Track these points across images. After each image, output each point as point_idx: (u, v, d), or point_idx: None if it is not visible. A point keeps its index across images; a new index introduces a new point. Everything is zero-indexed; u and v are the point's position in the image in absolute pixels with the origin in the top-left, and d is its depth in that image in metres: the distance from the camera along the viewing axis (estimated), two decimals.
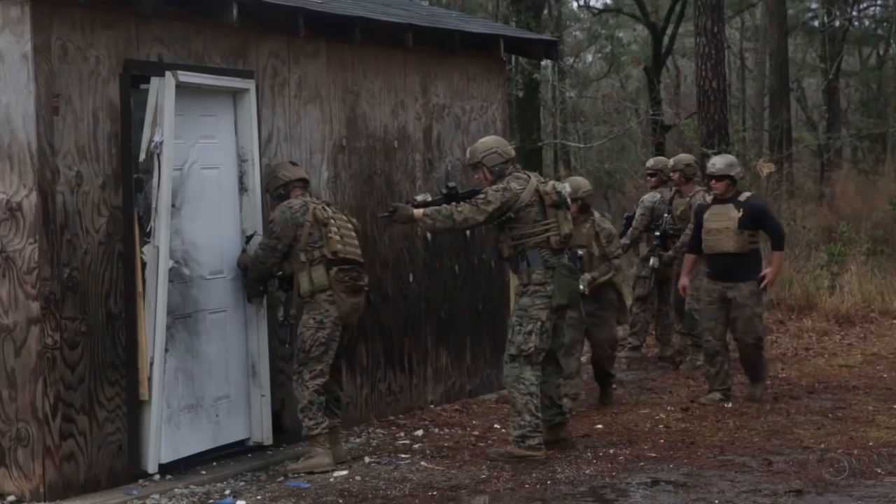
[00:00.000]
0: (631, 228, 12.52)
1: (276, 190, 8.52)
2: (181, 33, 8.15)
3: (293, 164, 8.74)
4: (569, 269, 8.50)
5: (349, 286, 8.32)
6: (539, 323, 8.36)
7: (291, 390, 8.93)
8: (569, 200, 8.54)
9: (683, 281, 10.71)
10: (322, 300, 8.26)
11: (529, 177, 8.48)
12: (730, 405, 10.09)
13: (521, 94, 22.91)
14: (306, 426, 8.26)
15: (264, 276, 8.50)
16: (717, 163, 10.35)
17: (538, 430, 8.36)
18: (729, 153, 16.10)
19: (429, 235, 10.23)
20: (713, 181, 10.29)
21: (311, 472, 8.12)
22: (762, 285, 10.24)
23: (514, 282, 8.78)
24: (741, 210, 10.19)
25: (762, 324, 10.43)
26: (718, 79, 16.44)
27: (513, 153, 8.63)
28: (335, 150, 9.45)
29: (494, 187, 8.38)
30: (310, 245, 8.26)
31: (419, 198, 8.73)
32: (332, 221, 8.33)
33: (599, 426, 9.49)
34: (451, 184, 8.82)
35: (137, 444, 7.77)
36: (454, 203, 8.45)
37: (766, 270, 10.28)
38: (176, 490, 7.68)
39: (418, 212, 8.45)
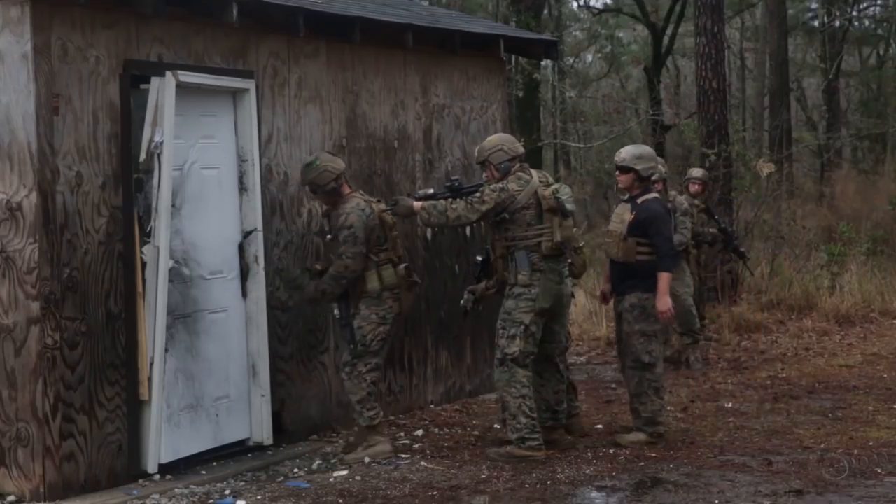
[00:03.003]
0: None
1: (328, 184, 8.47)
2: (181, 33, 8.15)
3: (332, 154, 8.82)
4: (558, 274, 8.45)
5: (411, 284, 8.66)
6: (522, 326, 8.34)
7: (291, 390, 8.95)
8: (567, 207, 8.43)
9: (604, 287, 9.22)
10: (387, 297, 8.51)
11: (532, 178, 8.43)
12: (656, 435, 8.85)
13: (521, 94, 22.92)
14: (367, 416, 8.47)
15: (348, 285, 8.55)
16: (623, 151, 8.90)
17: (535, 430, 8.36)
18: (729, 153, 16.13)
19: (429, 235, 10.24)
20: (616, 172, 8.94)
21: (375, 460, 8.37)
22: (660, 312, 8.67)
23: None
24: (633, 213, 8.78)
25: (648, 347, 8.74)
26: (718, 79, 16.42)
27: (520, 150, 8.59)
28: (335, 150, 9.43)
29: (491, 186, 8.38)
30: (377, 247, 8.47)
31: (421, 192, 8.83)
32: (395, 224, 8.65)
33: (599, 426, 9.49)
34: (455, 178, 8.86)
35: (137, 444, 7.77)
36: (450, 199, 8.46)
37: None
38: (176, 490, 7.68)
39: (417, 204, 8.48)
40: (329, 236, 8.58)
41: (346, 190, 8.56)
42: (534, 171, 8.54)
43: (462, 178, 9.29)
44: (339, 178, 8.50)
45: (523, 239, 8.35)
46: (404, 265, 8.65)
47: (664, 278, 8.62)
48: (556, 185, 8.49)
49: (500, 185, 8.37)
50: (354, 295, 8.50)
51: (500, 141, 8.59)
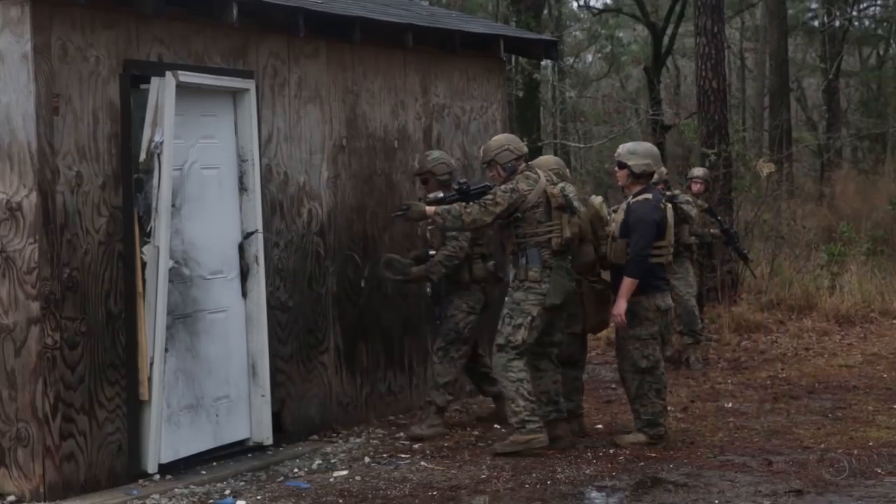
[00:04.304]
0: None
1: (444, 175, 9.30)
2: (181, 33, 8.15)
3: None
4: (566, 271, 8.57)
5: (497, 279, 9.58)
6: (530, 318, 8.48)
7: (291, 390, 8.95)
8: (575, 204, 8.56)
9: None
10: (476, 290, 9.32)
11: (539, 177, 8.58)
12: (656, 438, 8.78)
13: (521, 94, 22.92)
14: (445, 398, 9.23)
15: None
16: (621, 147, 8.84)
17: (535, 412, 8.46)
18: (729, 153, 16.13)
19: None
20: (615, 167, 8.85)
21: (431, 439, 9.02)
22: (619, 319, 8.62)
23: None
24: (624, 214, 8.68)
25: (644, 351, 8.65)
26: (718, 79, 16.44)
27: (525, 150, 8.78)
28: (335, 150, 9.45)
29: (503, 188, 8.52)
30: (474, 241, 9.33)
31: (431, 196, 9.01)
32: None
33: (599, 426, 9.50)
34: (462, 181, 9.02)
35: (137, 444, 7.77)
36: (463, 203, 8.63)
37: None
38: (176, 490, 7.68)
39: (430, 209, 8.69)
40: (431, 226, 9.27)
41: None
42: (540, 171, 8.67)
43: (467, 179, 9.37)
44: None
45: (534, 236, 8.52)
46: (492, 262, 9.47)
47: (626, 283, 8.53)
48: (562, 184, 8.61)
49: (510, 186, 8.52)
50: (448, 282, 9.29)
51: (506, 141, 8.75)
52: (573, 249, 8.78)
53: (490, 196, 8.53)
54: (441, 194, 8.99)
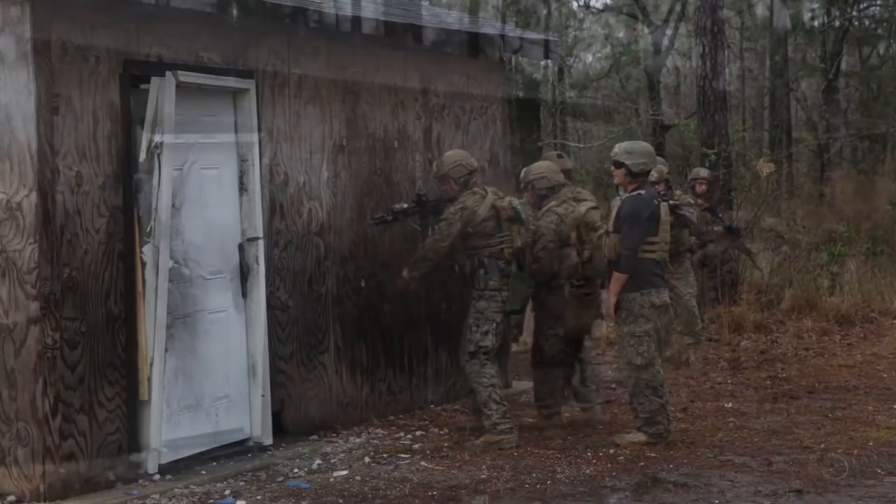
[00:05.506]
0: None
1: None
2: (181, 33, 8.14)
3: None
4: (520, 278, 9.06)
5: None
6: (494, 324, 9.01)
7: (291, 390, 8.95)
8: (523, 216, 9.05)
9: None
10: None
11: (487, 192, 9.08)
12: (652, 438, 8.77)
13: (521, 94, 22.92)
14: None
15: None
16: (617, 146, 8.85)
17: (506, 415, 8.93)
18: (729, 153, 16.14)
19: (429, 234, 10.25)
20: (611, 167, 8.89)
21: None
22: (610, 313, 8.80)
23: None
24: (618, 209, 8.72)
25: (639, 348, 8.65)
26: (718, 79, 16.45)
27: (475, 165, 9.28)
28: (335, 150, 9.45)
29: (452, 209, 9.02)
30: None
31: (396, 207, 9.49)
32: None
33: (599, 426, 9.49)
34: (421, 192, 9.59)
35: (137, 444, 7.77)
36: (421, 245, 9.20)
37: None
38: (176, 490, 7.68)
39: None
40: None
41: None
42: (487, 187, 9.22)
43: (427, 191, 9.73)
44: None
45: (486, 247, 9.00)
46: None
47: (615, 277, 8.61)
48: (510, 198, 9.18)
49: (458, 206, 9.02)
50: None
51: (459, 157, 9.26)
52: (554, 253, 9.36)
53: (444, 221, 8.98)
54: (405, 205, 9.49)
